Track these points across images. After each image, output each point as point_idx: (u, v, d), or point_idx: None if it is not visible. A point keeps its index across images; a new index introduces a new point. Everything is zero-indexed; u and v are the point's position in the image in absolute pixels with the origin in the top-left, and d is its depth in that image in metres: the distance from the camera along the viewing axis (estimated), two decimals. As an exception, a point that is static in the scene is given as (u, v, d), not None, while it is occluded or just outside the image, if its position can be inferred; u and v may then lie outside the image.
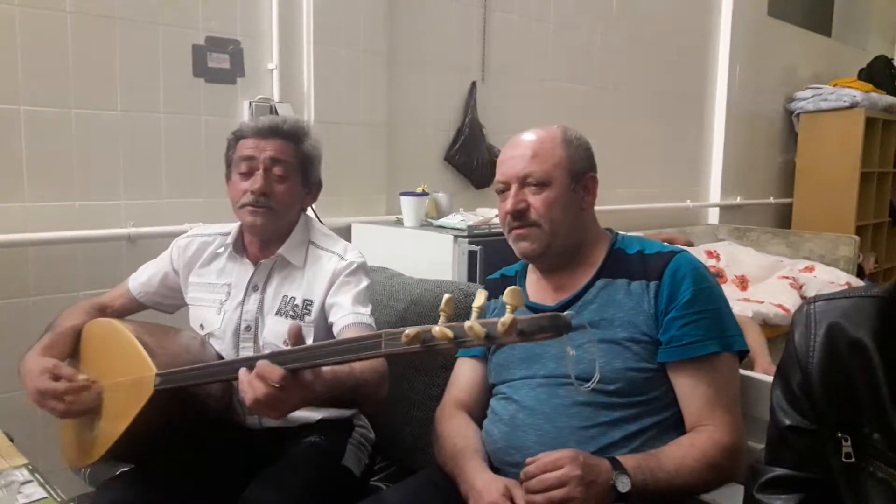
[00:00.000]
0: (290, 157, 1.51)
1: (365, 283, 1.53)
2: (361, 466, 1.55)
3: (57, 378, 1.33)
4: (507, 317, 0.83)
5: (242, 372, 1.07)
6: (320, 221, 2.37)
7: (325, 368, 1.10)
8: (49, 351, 1.45)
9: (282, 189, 1.49)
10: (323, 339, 1.46)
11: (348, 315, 1.45)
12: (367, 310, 1.48)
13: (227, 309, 1.54)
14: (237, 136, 1.53)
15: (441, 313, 0.90)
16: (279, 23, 2.38)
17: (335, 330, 1.47)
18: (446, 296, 0.90)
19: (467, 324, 0.86)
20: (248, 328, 1.52)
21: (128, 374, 1.28)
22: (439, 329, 0.87)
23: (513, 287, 0.85)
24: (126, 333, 1.33)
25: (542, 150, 1.31)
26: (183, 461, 1.40)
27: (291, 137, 1.52)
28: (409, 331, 0.90)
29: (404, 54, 2.76)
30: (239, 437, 1.52)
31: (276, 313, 1.51)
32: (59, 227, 2.02)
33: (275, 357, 1.05)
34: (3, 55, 1.91)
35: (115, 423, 1.27)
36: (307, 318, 1.49)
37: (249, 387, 1.04)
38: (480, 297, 0.91)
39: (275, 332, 1.49)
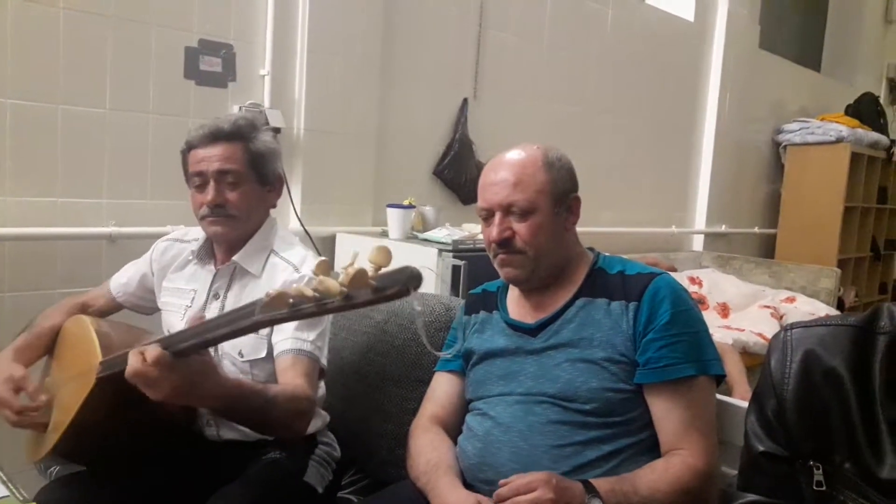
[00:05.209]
0: (237, 161, 1.44)
1: None
2: (325, 482, 1.51)
3: (18, 390, 1.32)
4: (355, 267, 0.79)
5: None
6: (305, 231, 2.36)
7: (230, 378, 1.19)
8: (23, 352, 1.44)
9: (235, 196, 1.44)
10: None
11: (286, 340, 1.38)
12: (313, 335, 1.39)
13: (189, 315, 1.49)
14: (188, 148, 1.48)
15: (313, 274, 0.85)
16: (273, 29, 2.38)
17: (274, 353, 1.40)
18: (319, 259, 0.86)
19: (321, 279, 0.81)
20: None
21: (81, 367, 1.26)
22: (296, 287, 0.85)
23: (381, 246, 0.81)
24: (90, 330, 1.31)
25: (525, 176, 1.29)
26: (137, 469, 1.37)
27: (236, 137, 1.45)
28: (272, 292, 0.88)
29: (398, 67, 2.76)
30: (198, 450, 1.47)
31: None
32: (40, 222, 2.00)
33: (167, 338, 1.06)
34: (-8, 47, 1.90)
35: (64, 415, 1.25)
36: (262, 332, 1.41)
37: (132, 358, 1.04)
38: (352, 258, 0.83)
39: (232, 342, 1.39)
